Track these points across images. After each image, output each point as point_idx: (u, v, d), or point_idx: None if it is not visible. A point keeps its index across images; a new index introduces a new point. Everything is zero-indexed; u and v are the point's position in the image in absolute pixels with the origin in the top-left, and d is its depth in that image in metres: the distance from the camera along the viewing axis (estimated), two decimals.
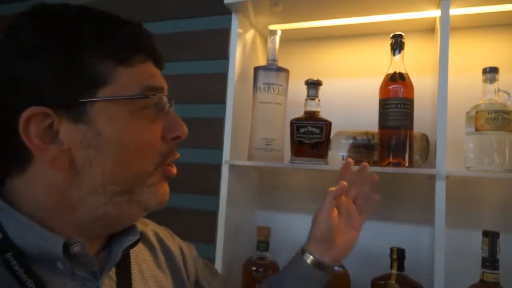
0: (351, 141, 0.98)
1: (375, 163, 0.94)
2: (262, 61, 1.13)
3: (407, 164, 0.85)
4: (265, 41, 1.18)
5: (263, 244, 0.99)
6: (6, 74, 0.46)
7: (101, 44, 0.47)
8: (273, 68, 1.01)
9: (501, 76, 0.86)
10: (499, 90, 0.85)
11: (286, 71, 1.02)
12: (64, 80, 0.45)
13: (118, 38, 0.48)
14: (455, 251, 0.89)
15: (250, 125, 1.02)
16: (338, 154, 1.00)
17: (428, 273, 0.96)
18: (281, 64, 1.03)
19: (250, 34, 1.10)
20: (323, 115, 0.96)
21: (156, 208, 0.52)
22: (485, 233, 0.81)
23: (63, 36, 0.46)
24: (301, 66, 1.13)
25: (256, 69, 1.02)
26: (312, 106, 0.95)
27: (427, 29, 1.03)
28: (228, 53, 1.03)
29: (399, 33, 0.88)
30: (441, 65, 0.83)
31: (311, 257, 0.72)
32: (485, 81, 0.86)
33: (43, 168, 0.46)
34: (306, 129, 0.93)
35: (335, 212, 0.74)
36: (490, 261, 0.80)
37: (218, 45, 1.26)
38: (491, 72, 0.86)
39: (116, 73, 0.47)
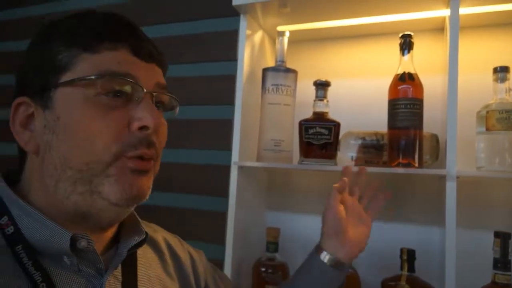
0: (360, 141, 0.98)
1: (384, 164, 0.94)
2: (270, 62, 1.14)
3: (417, 165, 0.85)
4: (273, 42, 1.18)
5: (273, 245, 0.99)
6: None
7: (68, 33, 0.49)
8: (282, 69, 1.01)
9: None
10: (510, 90, 0.84)
11: (294, 72, 1.02)
12: (38, 70, 0.49)
13: (85, 26, 0.49)
14: (466, 252, 0.88)
15: (259, 126, 1.03)
16: (347, 154, 1.00)
17: (439, 274, 0.95)
18: (289, 65, 1.03)
19: (258, 36, 1.10)
20: (332, 115, 0.96)
21: (127, 202, 0.48)
22: (497, 234, 0.80)
23: (44, 32, 0.51)
24: (310, 67, 1.13)
25: (265, 70, 1.03)
26: (321, 107, 0.95)
27: (437, 28, 1.03)
28: (237, 55, 1.03)
29: (408, 33, 0.88)
30: (451, 65, 0.83)
31: (326, 253, 0.74)
32: (495, 80, 0.86)
33: (31, 157, 0.50)
34: (314, 130, 0.93)
35: (342, 207, 0.76)
36: (502, 262, 0.79)
37: (227, 47, 1.27)
38: (501, 71, 0.85)
39: (79, 59, 0.48)
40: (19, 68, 0.52)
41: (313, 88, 0.98)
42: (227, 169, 1.03)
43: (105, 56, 0.48)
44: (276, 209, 1.17)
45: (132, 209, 0.53)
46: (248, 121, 1.04)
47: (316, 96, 0.96)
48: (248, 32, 1.04)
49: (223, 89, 1.26)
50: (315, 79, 0.98)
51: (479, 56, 0.98)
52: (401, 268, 0.88)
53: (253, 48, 1.08)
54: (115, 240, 0.55)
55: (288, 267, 1.01)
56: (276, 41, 1.03)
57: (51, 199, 0.48)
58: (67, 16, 0.52)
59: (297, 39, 1.13)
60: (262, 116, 1.02)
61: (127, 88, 0.49)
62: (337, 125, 0.92)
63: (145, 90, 0.49)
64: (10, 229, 0.47)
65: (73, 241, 0.46)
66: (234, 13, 1.03)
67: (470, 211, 0.94)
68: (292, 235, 1.11)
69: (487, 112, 0.84)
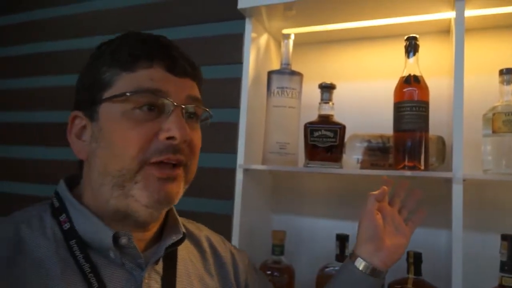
0: (365, 144, 0.98)
1: (390, 166, 0.94)
2: (275, 65, 1.14)
3: (422, 167, 0.84)
4: (278, 45, 1.18)
5: (279, 247, 0.99)
6: None
7: (111, 54, 0.56)
8: (287, 72, 1.02)
9: None
10: None
11: (299, 74, 1.02)
12: (88, 87, 0.57)
13: (125, 47, 0.56)
14: (473, 255, 0.88)
15: (264, 129, 1.03)
16: (352, 157, 1.00)
17: (445, 277, 0.94)
18: (294, 67, 1.03)
19: (263, 39, 1.11)
20: (337, 118, 0.96)
21: (156, 205, 0.54)
22: (504, 237, 0.80)
23: (94, 54, 0.59)
24: (315, 70, 1.13)
25: (270, 73, 1.03)
26: (326, 110, 0.95)
27: (442, 30, 1.02)
28: (242, 58, 1.03)
29: (414, 35, 0.88)
30: (456, 67, 0.82)
31: (361, 260, 0.72)
32: (501, 82, 0.85)
33: (85, 166, 0.58)
34: (320, 132, 0.93)
35: (379, 216, 0.74)
36: (509, 265, 0.78)
37: (232, 50, 1.27)
38: (507, 74, 0.85)
39: (119, 77, 0.55)
40: (76, 85, 0.60)
41: (318, 90, 0.98)
42: (232, 172, 1.03)
43: (140, 74, 0.54)
44: (281, 212, 1.17)
45: (164, 211, 0.60)
46: (254, 124, 1.04)
47: (322, 99, 0.96)
48: (254, 35, 1.04)
49: (229, 92, 1.26)
50: (320, 81, 0.98)
51: (485, 58, 0.98)
52: (408, 271, 0.87)
53: (259, 51, 1.08)
54: (159, 237, 0.61)
55: (294, 270, 1.01)
56: (281, 44, 1.03)
57: (98, 201, 0.56)
58: (112, 39, 0.59)
59: (302, 42, 1.13)
60: (267, 119, 1.02)
61: (158, 102, 0.54)
62: (342, 127, 0.92)
63: (175, 104, 0.54)
64: (67, 225, 0.55)
65: (116, 238, 0.53)
66: (240, 16, 1.04)
67: (476, 214, 0.93)
68: (297, 238, 1.11)
69: (493, 114, 0.84)
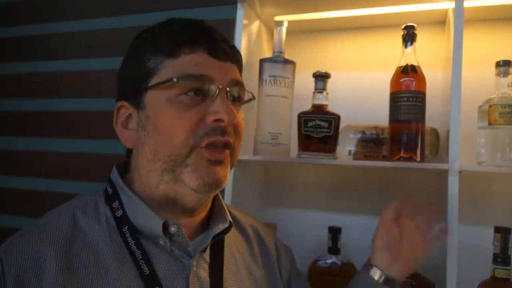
0: (359, 135, 0.96)
1: (384, 158, 0.93)
2: (267, 53, 1.11)
3: (418, 159, 0.83)
4: (270, 33, 1.15)
5: None
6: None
7: (154, 42, 0.56)
8: (280, 60, 0.99)
9: None
10: None
11: (292, 63, 1.00)
12: (132, 77, 0.58)
13: (167, 35, 0.56)
14: (466, 247, 0.88)
15: (256, 119, 1.00)
16: (345, 148, 0.98)
17: (436, 268, 0.94)
18: (287, 56, 1.00)
19: (255, 26, 1.07)
20: (330, 109, 0.94)
21: (205, 188, 0.54)
22: (497, 229, 0.80)
23: (134, 44, 0.60)
24: (308, 59, 1.11)
25: (262, 61, 1.00)
26: (320, 99, 0.93)
27: (437, 21, 1.01)
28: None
29: (411, 24, 0.86)
30: (455, 59, 0.81)
31: (377, 269, 0.70)
32: (498, 74, 0.85)
33: (133, 153, 0.59)
34: (314, 122, 0.91)
35: (396, 228, 0.71)
36: (502, 257, 0.79)
37: None
38: (504, 66, 0.84)
39: (163, 65, 0.55)
40: (118, 75, 0.61)
41: (311, 81, 0.96)
42: None
43: (184, 60, 0.55)
44: (273, 204, 1.14)
45: (212, 196, 0.60)
46: (245, 113, 1.00)
47: (316, 88, 0.94)
48: (245, 21, 1.01)
49: None
50: (313, 71, 0.95)
51: (480, 50, 0.97)
52: None
53: (250, 38, 1.04)
54: (206, 225, 0.62)
55: None
56: (274, 31, 1.00)
57: (146, 188, 0.57)
58: (152, 26, 0.59)
59: (295, 30, 1.10)
60: (259, 108, 0.99)
61: (203, 87, 0.55)
62: (337, 117, 0.90)
63: (220, 87, 0.55)
64: (120, 212, 0.56)
65: (165, 226, 0.54)
66: (231, 1, 1.00)
67: (470, 206, 0.93)
68: (289, 231, 1.09)
69: (490, 106, 0.83)
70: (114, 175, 0.60)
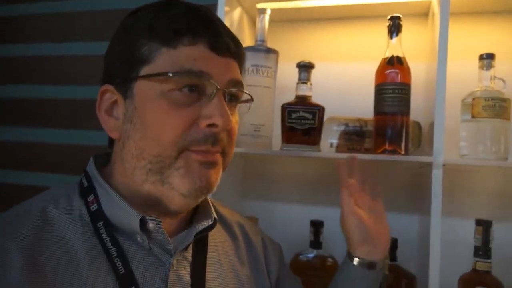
0: (343, 128, 0.95)
1: (366, 151, 0.92)
2: (249, 42, 1.07)
3: (403, 152, 0.82)
4: (252, 21, 1.12)
5: None
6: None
7: (151, 27, 0.50)
8: (262, 49, 0.95)
9: (496, 64, 0.84)
10: (495, 77, 0.84)
11: (275, 52, 0.97)
12: (122, 61, 0.52)
13: (166, 20, 0.51)
14: (447, 240, 0.88)
15: (237, 110, 0.96)
16: (327, 141, 0.96)
17: (417, 262, 0.95)
18: (269, 45, 0.97)
19: (237, 13, 1.04)
20: (313, 100, 0.92)
21: (195, 193, 0.50)
22: (478, 222, 0.80)
23: (127, 23, 0.53)
24: (290, 49, 1.08)
25: (244, 49, 0.96)
26: (304, 90, 0.91)
27: (420, 13, 1.01)
28: None
29: (397, 14, 0.85)
30: (440, 51, 0.80)
31: (358, 259, 0.68)
32: (481, 67, 0.85)
33: (116, 144, 0.54)
34: (298, 114, 0.88)
35: (358, 209, 0.69)
36: (483, 250, 0.79)
37: None
38: (487, 59, 0.84)
39: (158, 53, 0.50)
40: (105, 55, 0.55)
41: (293, 72, 0.93)
42: None
43: (182, 52, 0.50)
44: (253, 197, 1.12)
45: (200, 200, 0.54)
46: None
47: (299, 79, 0.91)
48: (227, 8, 0.97)
49: None
50: (296, 62, 0.93)
51: (464, 43, 0.97)
52: None
53: (231, 26, 1.01)
54: (190, 222, 0.58)
55: None
56: (257, 19, 0.97)
57: (129, 183, 0.52)
58: (148, 6, 0.53)
59: (278, 19, 1.07)
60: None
61: (200, 84, 0.50)
62: (321, 109, 0.88)
63: (218, 87, 0.50)
64: (94, 207, 0.51)
65: (143, 222, 0.50)
66: None
67: (451, 199, 0.93)
68: (270, 225, 1.07)
69: (473, 99, 0.83)
70: (91, 167, 0.55)
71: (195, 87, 0.50)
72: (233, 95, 0.55)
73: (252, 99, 0.60)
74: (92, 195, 0.52)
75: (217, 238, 0.62)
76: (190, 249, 0.56)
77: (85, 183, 0.54)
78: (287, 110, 0.89)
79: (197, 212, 0.59)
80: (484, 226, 0.79)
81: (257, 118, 0.94)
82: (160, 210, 0.52)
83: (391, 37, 0.85)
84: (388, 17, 0.85)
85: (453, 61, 0.94)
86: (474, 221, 0.81)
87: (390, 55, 0.84)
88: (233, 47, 0.54)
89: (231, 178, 1.05)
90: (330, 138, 0.96)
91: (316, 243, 0.93)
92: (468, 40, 0.98)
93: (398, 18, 0.85)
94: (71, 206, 0.52)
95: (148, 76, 0.50)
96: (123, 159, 0.52)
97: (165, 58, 0.49)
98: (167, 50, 0.50)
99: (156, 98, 0.49)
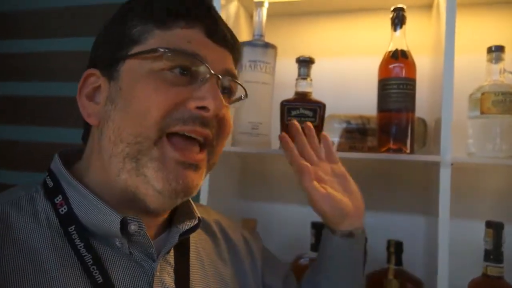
0: (344, 125, 0.91)
1: (370, 149, 0.88)
2: (246, 37, 1.04)
3: (408, 150, 0.78)
4: (249, 15, 1.08)
5: None
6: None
7: (145, 8, 0.49)
8: (260, 44, 0.91)
9: (506, 57, 0.80)
10: (504, 71, 0.80)
11: (274, 47, 0.93)
12: (108, 43, 0.50)
13: (161, 1, 0.49)
14: (456, 243, 0.84)
15: (234, 107, 0.93)
16: None
17: (423, 265, 0.91)
18: (267, 40, 0.93)
19: (233, 7, 1.00)
20: (314, 97, 0.88)
21: (170, 194, 0.46)
22: (489, 224, 0.76)
23: (122, 9, 0.51)
24: (289, 44, 1.04)
25: (241, 44, 0.92)
26: (304, 86, 0.86)
27: (424, 5, 0.96)
28: None
29: (401, 6, 0.81)
30: (447, 45, 0.76)
31: (336, 231, 0.66)
32: (490, 60, 0.80)
33: (93, 132, 0.50)
34: (298, 111, 0.84)
35: (327, 189, 0.65)
36: (494, 254, 0.75)
37: None
38: (496, 51, 0.80)
39: (151, 34, 0.48)
40: (95, 41, 0.52)
41: (293, 67, 0.89)
42: None
43: (177, 34, 0.48)
44: (252, 198, 1.08)
45: (179, 202, 0.50)
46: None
47: (299, 75, 0.87)
48: (223, 2, 0.93)
49: None
50: (295, 57, 0.88)
51: (471, 35, 0.93)
52: (388, 261, 0.83)
53: (228, 20, 0.96)
54: (169, 223, 0.55)
55: None
56: (254, 12, 0.93)
57: (106, 177, 0.48)
58: None
59: (277, 13, 1.03)
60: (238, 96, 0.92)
61: (193, 67, 0.48)
62: (322, 106, 0.84)
63: (212, 72, 0.48)
64: (64, 209, 0.47)
65: (124, 224, 0.46)
66: None
67: (460, 200, 0.89)
68: (269, 227, 1.03)
69: (482, 94, 0.79)
70: (56, 164, 0.50)
71: (187, 71, 0.47)
72: (226, 88, 0.52)
73: (246, 95, 0.57)
74: (60, 196, 0.47)
75: (197, 240, 0.59)
76: (171, 252, 0.52)
77: (50, 183, 0.49)
78: (286, 107, 0.85)
79: (178, 212, 0.55)
80: (495, 228, 0.75)
81: (255, 116, 0.90)
82: (138, 208, 0.48)
83: (395, 30, 0.81)
84: (392, 9, 0.81)
85: (460, 55, 0.89)
86: (484, 223, 0.77)
87: (394, 49, 0.80)
88: (230, 38, 0.52)
89: (230, 178, 1.02)
90: (331, 136, 0.92)
91: (317, 246, 0.89)
92: (476, 32, 0.93)
93: (402, 9, 0.80)
94: (36, 209, 0.47)
95: (137, 54, 0.47)
96: (101, 148, 0.48)
97: (159, 39, 0.47)
98: (160, 31, 0.47)
99: (144, 76, 0.46)
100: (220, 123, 0.50)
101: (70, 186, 0.48)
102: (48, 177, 0.50)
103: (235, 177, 1.05)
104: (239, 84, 0.54)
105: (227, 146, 0.91)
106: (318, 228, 0.90)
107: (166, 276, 0.50)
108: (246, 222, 0.92)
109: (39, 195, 0.48)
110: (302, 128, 0.71)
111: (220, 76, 0.49)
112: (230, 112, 0.53)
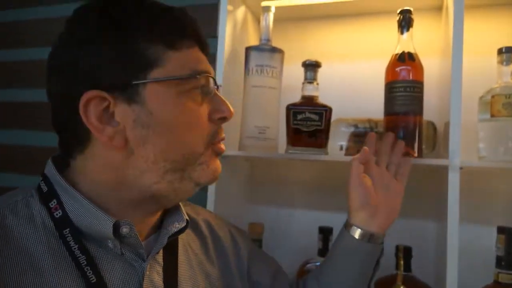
0: (352, 129, 0.90)
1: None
2: (253, 42, 1.04)
3: (416, 154, 0.77)
4: (256, 20, 1.08)
5: (256, 242, 0.90)
6: (67, 61, 0.50)
7: (152, 29, 0.50)
8: (267, 48, 0.92)
9: None
10: None
11: (281, 52, 0.93)
12: (118, 64, 0.49)
13: (167, 23, 0.51)
14: (466, 249, 0.82)
15: (241, 112, 0.93)
16: (336, 143, 0.91)
17: (433, 271, 0.89)
18: (275, 45, 0.93)
19: (241, 12, 1.00)
20: (321, 101, 0.87)
21: (207, 183, 0.54)
22: (501, 230, 0.74)
23: (118, 23, 0.50)
24: (296, 48, 1.04)
25: (248, 49, 0.93)
26: (310, 90, 0.86)
27: (433, 7, 0.95)
28: (217, 32, 0.93)
29: (408, 8, 0.80)
30: (455, 46, 0.75)
31: (356, 228, 0.68)
32: (500, 62, 0.79)
33: (100, 148, 0.50)
34: (304, 115, 0.84)
35: (367, 178, 0.69)
36: (506, 261, 0.73)
37: (206, 23, 1.14)
38: (507, 52, 0.78)
39: (166, 56, 0.50)
40: (82, 59, 0.49)
41: (300, 71, 0.89)
42: None
43: (188, 55, 0.52)
44: (259, 202, 1.08)
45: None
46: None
47: (305, 78, 0.87)
48: (230, 7, 0.94)
49: None
50: (302, 61, 0.88)
51: (481, 37, 0.91)
52: (397, 267, 0.81)
53: (235, 25, 0.97)
54: (160, 224, 0.57)
55: None
56: (261, 17, 0.93)
57: (111, 187, 0.50)
58: (134, 4, 0.51)
59: (284, 17, 1.04)
60: (245, 100, 0.92)
61: (209, 84, 0.54)
62: (328, 110, 0.84)
63: (218, 84, 0.55)
64: (59, 213, 0.49)
65: (116, 227, 0.48)
66: None
67: (470, 204, 0.87)
68: (277, 231, 1.03)
69: (492, 97, 0.77)
70: (50, 169, 0.52)
71: (205, 87, 0.53)
72: None
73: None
74: (54, 200, 0.49)
75: (185, 239, 0.61)
76: (161, 253, 0.55)
77: (45, 188, 0.51)
78: (292, 111, 0.84)
79: (168, 214, 0.58)
80: (507, 234, 0.73)
81: (261, 120, 0.90)
82: (150, 207, 0.53)
83: (401, 33, 0.80)
84: (398, 11, 0.80)
85: (470, 57, 0.88)
86: (496, 228, 0.75)
87: (400, 51, 0.79)
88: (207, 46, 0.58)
89: (237, 182, 1.02)
90: (339, 141, 0.92)
91: (325, 251, 0.88)
92: (487, 33, 0.91)
93: (408, 12, 0.80)
94: (31, 213, 0.49)
95: (162, 80, 0.50)
96: (124, 166, 0.50)
97: (176, 61, 0.51)
98: (173, 53, 0.51)
99: (174, 100, 0.50)
100: None
101: (64, 191, 0.50)
102: (43, 182, 0.51)
103: (242, 182, 1.05)
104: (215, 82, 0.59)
105: (234, 150, 0.92)
106: (325, 233, 0.89)
107: (155, 275, 0.52)
108: (253, 227, 0.92)
109: (34, 200, 0.50)
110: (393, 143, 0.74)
111: (218, 85, 0.56)
112: None
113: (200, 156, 0.52)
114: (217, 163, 0.55)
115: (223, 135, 0.56)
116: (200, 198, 1.09)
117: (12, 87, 1.49)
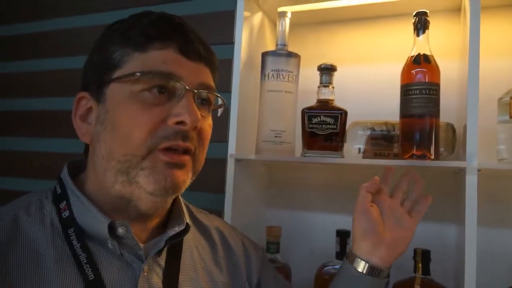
0: (368, 132, 0.90)
1: (395, 156, 0.86)
2: (270, 47, 1.05)
3: (432, 157, 0.77)
4: (273, 25, 1.09)
5: (274, 245, 0.91)
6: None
7: (123, 34, 0.53)
8: (283, 53, 0.93)
9: None
10: None
11: (297, 56, 0.94)
12: (96, 67, 0.54)
13: (138, 27, 0.53)
14: (486, 252, 0.81)
15: (258, 116, 0.94)
16: (353, 146, 0.91)
17: (453, 275, 0.88)
18: (291, 49, 0.94)
19: (257, 17, 1.02)
20: (337, 104, 0.88)
21: (161, 193, 0.51)
22: None
23: (104, 34, 0.56)
24: (313, 52, 1.05)
25: (264, 54, 0.94)
26: (326, 94, 0.87)
27: (452, 9, 0.94)
28: (234, 38, 0.94)
29: (423, 10, 0.79)
30: (471, 48, 0.74)
31: (360, 260, 0.65)
32: None
33: (90, 149, 0.55)
34: (319, 119, 0.85)
35: (374, 208, 0.67)
36: None
37: (223, 29, 1.18)
38: None
39: (131, 57, 0.52)
40: (84, 65, 0.57)
41: (315, 75, 0.90)
42: (223, 162, 0.95)
43: (153, 55, 0.52)
44: (277, 206, 1.09)
45: (170, 200, 0.58)
46: (246, 110, 0.95)
47: (321, 82, 0.88)
48: (246, 13, 0.96)
49: (219, 75, 1.17)
50: (318, 64, 0.89)
51: (499, 38, 0.90)
52: (415, 270, 0.80)
53: (252, 30, 0.99)
54: (163, 229, 0.58)
55: (290, 269, 0.93)
56: (277, 23, 0.94)
57: (101, 187, 0.53)
58: (124, 18, 0.56)
59: (299, 22, 1.05)
60: (262, 104, 0.94)
61: (169, 85, 0.52)
62: (343, 113, 0.84)
63: (186, 88, 0.52)
64: (66, 213, 0.52)
65: (112, 227, 0.51)
66: None
67: (489, 207, 0.86)
68: (294, 234, 1.03)
69: (511, 98, 0.76)
70: (64, 174, 0.56)
71: (164, 89, 0.51)
72: (204, 99, 0.56)
73: (225, 104, 0.61)
74: (64, 202, 0.53)
75: (193, 243, 0.62)
76: (164, 254, 0.57)
77: (59, 190, 0.55)
78: (307, 114, 0.85)
79: (171, 218, 0.60)
80: None
81: (278, 124, 0.91)
82: (132, 212, 0.53)
83: (417, 35, 0.80)
84: (414, 14, 0.80)
85: (489, 58, 0.87)
86: None
87: (416, 53, 0.79)
88: (204, 52, 0.55)
89: (254, 186, 1.03)
90: (356, 144, 0.91)
91: (342, 254, 0.88)
92: (506, 34, 0.90)
93: (424, 14, 0.79)
94: (43, 213, 0.53)
95: (118, 79, 0.51)
96: (95, 163, 0.53)
97: (136, 61, 0.51)
98: (138, 54, 0.52)
99: (126, 99, 0.51)
100: (199, 135, 0.54)
101: (72, 194, 0.54)
102: (58, 184, 0.56)
103: (259, 185, 1.06)
104: (216, 95, 0.58)
105: (251, 154, 0.93)
106: (343, 236, 0.89)
107: (154, 276, 0.54)
108: (271, 230, 0.93)
109: (47, 201, 0.54)
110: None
111: (195, 91, 0.53)
112: (210, 120, 0.58)
113: (142, 161, 0.50)
114: (168, 173, 0.51)
115: (180, 143, 0.51)
116: (217, 202, 1.11)
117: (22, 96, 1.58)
